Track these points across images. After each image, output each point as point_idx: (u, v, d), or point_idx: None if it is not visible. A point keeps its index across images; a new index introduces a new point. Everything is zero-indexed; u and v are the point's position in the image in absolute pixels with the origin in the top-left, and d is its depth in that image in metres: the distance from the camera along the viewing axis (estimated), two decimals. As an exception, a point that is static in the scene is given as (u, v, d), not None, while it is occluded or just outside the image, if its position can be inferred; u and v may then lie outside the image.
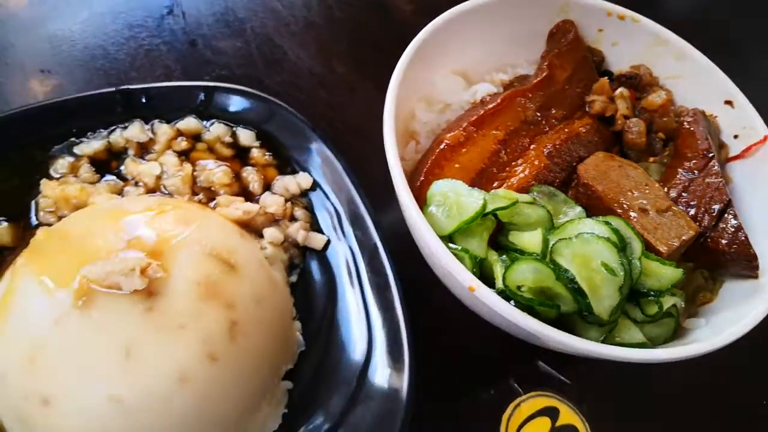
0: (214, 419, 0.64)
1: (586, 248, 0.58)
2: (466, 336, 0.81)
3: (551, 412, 0.79)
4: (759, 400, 0.80)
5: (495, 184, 0.66)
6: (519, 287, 0.58)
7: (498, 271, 0.59)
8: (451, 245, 0.59)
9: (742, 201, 0.72)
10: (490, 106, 0.70)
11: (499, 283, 0.58)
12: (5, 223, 0.74)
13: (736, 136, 0.73)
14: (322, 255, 0.79)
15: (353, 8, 1.02)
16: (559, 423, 0.78)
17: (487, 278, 0.59)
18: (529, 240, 0.60)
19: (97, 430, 0.60)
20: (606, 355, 0.55)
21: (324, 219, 0.81)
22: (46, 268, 0.63)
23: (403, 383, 0.69)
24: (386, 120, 0.63)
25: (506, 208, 0.61)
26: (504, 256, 0.60)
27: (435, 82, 0.74)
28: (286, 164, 0.83)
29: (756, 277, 0.65)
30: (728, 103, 0.74)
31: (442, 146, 0.67)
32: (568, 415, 0.78)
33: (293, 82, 0.94)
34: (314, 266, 0.79)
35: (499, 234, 0.64)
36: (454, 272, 0.56)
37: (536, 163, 0.67)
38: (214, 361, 0.63)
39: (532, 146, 0.70)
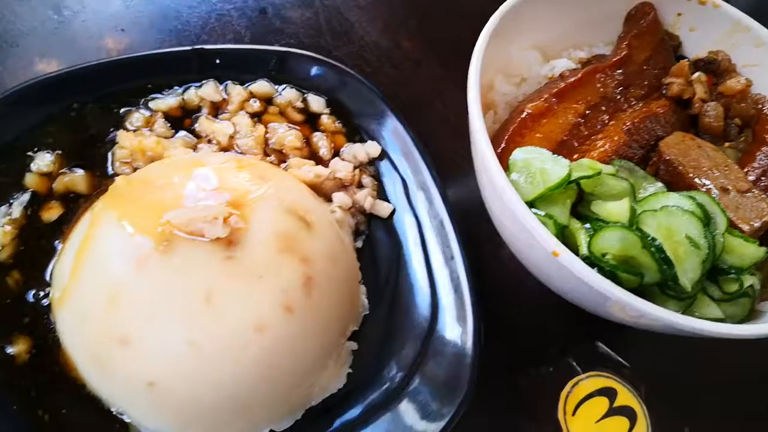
0: (287, 370, 0.65)
1: (671, 220, 0.58)
2: (528, 313, 0.81)
3: (609, 393, 0.78)
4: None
5: (575, 156, 0.67)
6: (603, 255, 0.58)
7: (582, 238, 0.59)
8: (536, 211, 0.59)
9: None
10: (572, 79, 0.70)
11: (584, 250, 0.58)
12: (81, 172, 0.75)
13: (815, 125, 0.73)
14: (387, 223, 0.80)
15: (421, -14, 1.03)
16: (616, 404, 0.78)
17: (567, 247, 0.59)
18: (615, 209, 0.60)
19: (173, 372, 0.61)
20: (688, 327, 0.55)
21: (390, 188, 0.81)
22: (128, 212, 0.64)
23: (468, 350, 0.70)
24: (471, 85, 0.63)
25: (591, 177, 0.61)
26: (588, 225, 0.60)
27: (512, 55, 0.75)
28: (355, 132, 0.84)
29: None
30: (807, 91, 0.73)
31: (523, 115, 0.68)
32: (625, 396, 0.78)
33: (360, 55, 0.94)
34: (379, 234, 0.79)
35: (578, 205, 0.64)
36: (539, 237, 0.56)
37: (616, 138, 0.68)
38: (290, 313, 0.63)
39: (611, 122, 0.70)
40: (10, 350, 0.66)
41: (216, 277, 0.61)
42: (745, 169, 0.69)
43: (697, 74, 0.75)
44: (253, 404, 0.65)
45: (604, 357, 0.80)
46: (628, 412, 0.78)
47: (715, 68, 0.76)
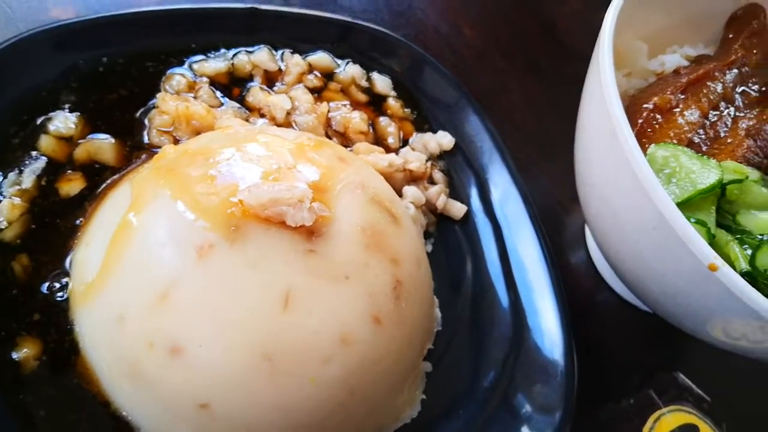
0: (365, 395, 0.54)
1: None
2: (608, 333, 0.73)
3: (691, 429, 0.71)
4: None
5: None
6: (765, 271, 0.50)
7: (737, 251, 0.51)
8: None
9: None
10: (692, 76, 0.63)
11: (743, 265, 0.50)
12: (109, 139, 0.62)
13: None
14: (460, 226, 0.70)
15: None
16: (699, 441, 0.70)
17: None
18: (764, 219, 0.52)
19: (235, 391, 0.49)
20: None
21: (463, 185, 0.72)
22: (186, 189, 0.52)
23: (560, 374, 0.61)
24: (603, 58, 0.54)
25: (740, 181, 0.53)
26: (738, 236, 0.52)
27: (618, 44, 0.67)
28: (424, 121, 0.74)
29: None
30: None
31: (648, 105, 0.59)
32: (708, 433, 0.71)
33: (418, 38, 0.85)
34: (451, 238, 0.70)
35: (716, 217, 0.56)
36: (695, 247, 0.48)
37: (743, 142, 0.60)
38: (378, 324, 0.53)
39: (731, 125, 0.63)
40: (14, 356, 0.52)
41: (296, 274, 0.50)
42: None
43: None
44: (325, 432, 0.53)
45: (684, 389, 0.73)
46: (712, 452, 0.70)
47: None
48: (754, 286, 0.48)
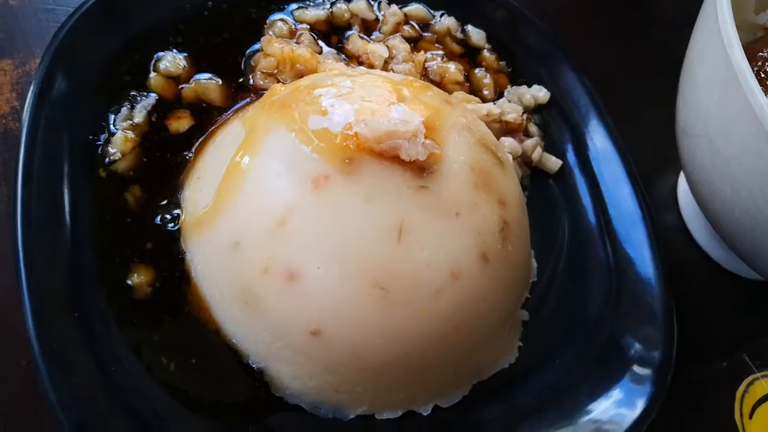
0: (470, 330, 0.54)
1: None
2: (704, 299, 0.72)
3: (786, 397, 0.69)
4: None
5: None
6: None
7: None
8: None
9: None
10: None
11: None
12: (216, 80, 0.63)
13: None
14: (554, 180, 0.69)
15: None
16: (795, 410, 0.68)
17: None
18: None
19: (348, 319, 0.50)
20: None
21: (559, 139, 0.71)
22: (300, 123, 0.52)
23: (659, 329, 0.60)
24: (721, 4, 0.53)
25: None
26: None
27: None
28: (519, 74, 0.73)
29: None
30: None
31: (765, 54, 0.58)
32: (806, 401, 0.69)
33: None
34: (545, 192, 0.69)
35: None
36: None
37: None
38: (486, 263, 0.52)
39: None
40: (128, 281, 0.53)
41: (409, 208, 0.50)
42: None
43: None
44: (428, 368, 0.54)
45: (780, 356, 0.71)
46: (811, 419, 0.68)
47: None
48: None
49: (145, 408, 0.49)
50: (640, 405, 0.56)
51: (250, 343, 0.53)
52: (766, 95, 0.55)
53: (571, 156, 0.69)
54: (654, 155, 0.77)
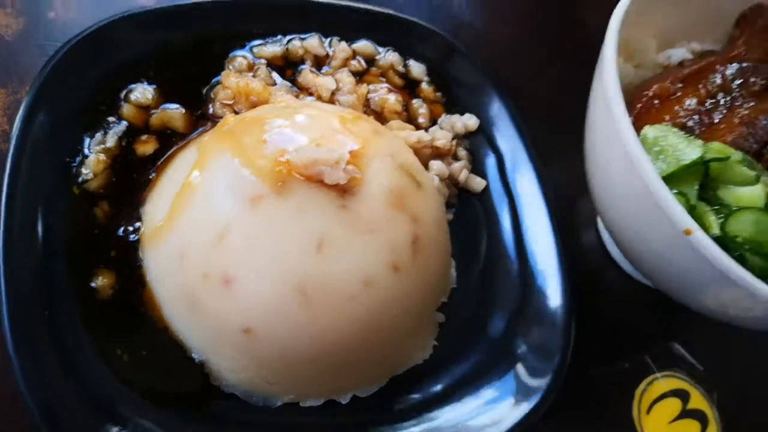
0: (384, 332, 0.63)
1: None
2: (610, 304, 0.80)
3: (682, 395, 0.77)
4: None
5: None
6: (735, 237, 0.57)
7: (712, 219, 0.58)
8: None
9: None
10: (694, 67, 0.70)
11: (716, 230, 0.57)
12: (180, 109, 0.73)
13: None
14: (479, 199, 0.78)
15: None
16: (689, 406, 0.76)
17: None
18: (746, 194, 0.59)
19: (274, 319, 0.59)
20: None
21: (485, 163, 0.80)
22: (242, 150, 0.62)
23: (559, 331, 0.69)
24: (608, 57, 0.62)
25: (722, 160, 0.60)
26: (716, 207, 0.59)
27: (635, 40, 0.74)
28: (453, 104, 0.82)
29: None
30: None
31: (649, 93, 0.67)
32: (698, 399, 0.77)
33: (454, 32, 0.92)
34: (470, 209, 0.78)
35: (700, 192, 0.63)
36: (672, 214, 0.55)
37: (735, 130, 0.67)
38: (397, 272, 0.61)
39: (726, 113, 0.69)
40: (92, 284, 0.63)
41: (330, 225, 0.59)
42: None
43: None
44: (346, 363, 0.63)
45: (679, 358, 0.79)
46: (700, 416, 0.76)
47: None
48: (725, 250, 0.55)
49: (103, 393, 0.58)
50: (535, 398, 0.65)
51: (193, 339, 0.62)
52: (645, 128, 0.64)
53: (494, 178, 0.78)
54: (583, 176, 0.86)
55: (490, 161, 0.79)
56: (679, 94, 0.68)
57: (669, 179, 0.60)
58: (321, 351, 0.60)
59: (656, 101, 0.66)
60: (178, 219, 0.62)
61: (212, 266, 0.59)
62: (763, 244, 0.57)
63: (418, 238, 0.63)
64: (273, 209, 0.59)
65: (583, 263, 0.82)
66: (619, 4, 0.68)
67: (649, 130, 0.62)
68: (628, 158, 0.58)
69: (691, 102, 0.67)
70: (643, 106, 0.66)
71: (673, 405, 0.77)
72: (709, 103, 0.69)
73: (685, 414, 0.76)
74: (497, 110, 0.80)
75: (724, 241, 0.57)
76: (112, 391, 0.58)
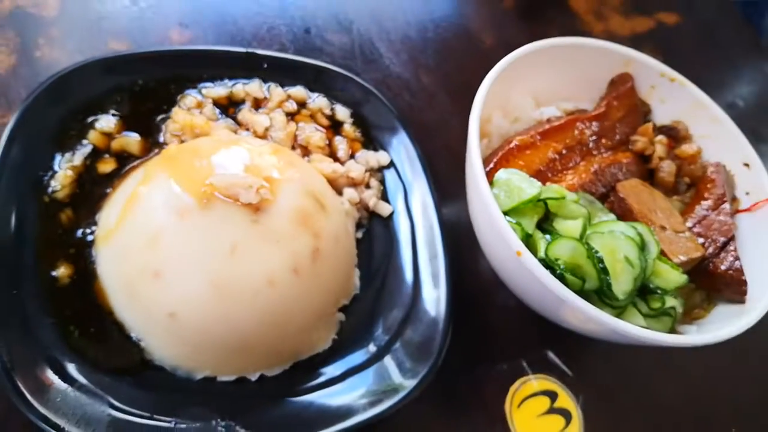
0: (286, 323, 0.77)
1: (614, 242, 0.72)
2: (494, 318, 0.94)
3: (551, 394, 0.91)
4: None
5: (547, 184, 0.81)
6: (556, 259, 0.72)
7: (541, 244, 0.73)
8: (507, 218, 0.73)
9: (744, 246, 0.86)
10: (556, 123, 0.86)
11: (542, 253, 0.72)
12: (137, 136, 0.89)
13: (747, 193, 0.88)
14: (385, 222, 0.93)
15: (443, 32, 1.19)
16: (556, 404, 0.90)
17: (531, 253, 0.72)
18: (571, 227, 0.74)
19: (193, 306, 0.73)
20: (612, 326, 0.68)
21: (393, 193, 0.95)
22: (176, 173, 0.77)
23: (440, 325, 0.82)
24: (473, 114, 0.78)
25: (556, 199, 0.75)
26: (548, 236, 0.74)
27: (512, 97, 0.90)
28: (371, 142, 0.98)
29: (743, 302, 0.78)
30: (746, 165, 0.88)
31: (512, 145, 0.82)
32: (565, 400, 0.91)
33: (384, 81, 1.09)
34: (378, 230, 0.93)
35: (544, 223, 0.78)
36: (507, 238, 0.70)
37: (583, 176, 0.82)
38: (296, 275, 0.76)
39: (582, 163, 0.85)
40: (54, 273, 0.77)
41: (242, 234, 0.74)
42: (685, 217, 0.83)
43: (659, 137, 0.90)
44: (253, 346, 0.77)
45: (552, 365, 0.93)
46: (565, 414, 0.90)
47: (675, 134, 0.91)
48: (551, 271, 0.70)
49: (56, 356, 0.72)
50: (413, 383, 0.77)
51: (132, 321, 0.76)
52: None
53: (400, 205, 0.93)
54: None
55: (398, 192, 0.95)
56: (538, 144, 0.84)
57: (513, 212, 0.75)
58: (232, 334, 0.75)
59: (516, 151, 0.82)
60: (123, 225, 0.78)
61: (146, 263, 0.74)
62: (578, 266, 0.72)
63: (318, 249, 0.79)
64: (197, 220, 0.74)
65: (475, 281, 0.97)
66: (493, 68, 0.84)
67: (501, 173, 0.77)
68: (480, 195, 0.74)
69: (547, 152, 0.83)
70: (504, 154, 0.81)
71: (542, 402, 0.91)
72: (565, 153, 0.85)
73: (552, 411, 0.90)
74: (406, 150, 0.96)
75: (548, 262, 0.72)
76: (65, 357, 0.72)
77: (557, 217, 0.77)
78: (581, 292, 0.72)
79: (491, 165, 0.80)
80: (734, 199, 0.89)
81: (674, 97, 0.94)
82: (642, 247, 0.73)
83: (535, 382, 0.91)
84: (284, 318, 0.77)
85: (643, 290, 0.75)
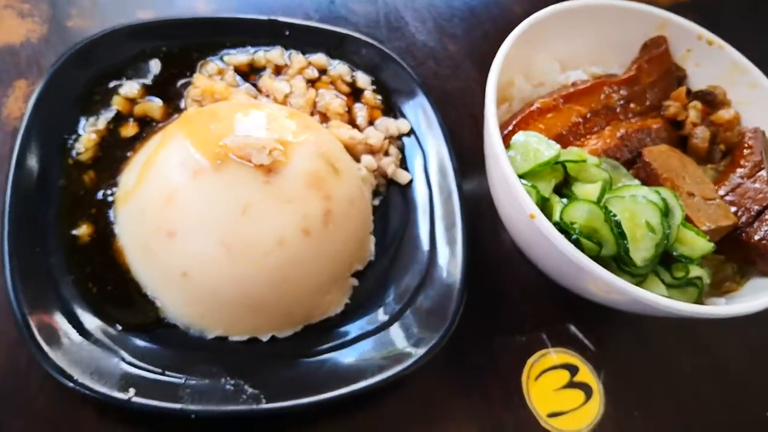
0: (296, 285, 0.77)
1: (635, 206, 0.69)
2: (514, 287, 0.91)
3: (572, 368, 0.88)
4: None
5: (569, 148, 0.78)
6: (572, 223, 0.69)
7: (557, 208, 0.70)
8: (524, 182, 0.71)
9: (782, 217, 0.81)
10: (581, 87, 0.82)
11: (556, 217, 0.70)
12: (159, 102, 0.90)
13: (786, 162, 0.83)
14: (403, 190, 0.92)
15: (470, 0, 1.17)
16: (576, 379, 0.87)
17: (546, 217, 0.70)
18: (589, 190, 0.71)
19: (205, 265, 0.74)
20: (630, 293, 0.65)
21: (412, 161, 0.94)
22: (193, 134, 0.78)
23: (451, 304, 0.81)
24: (491, 76, 0.75)
25: (576, 162, 0.72)
26: (565, 200, 0.72)
27: (536, 61, 0.87)
28: (391, 110, 0.97)
29: (777, 274, 0.74)
30: (787, 132, 0.83)
31: (533, 107, 0.80)
32: (586, 374, 0.88)
33: (408, 50, 1.08)
34: (395, 197, 0.92)
35: (564, 188, 0.75)
36: (522, 201, 0.68)
37: (608, 141, 0.79)
38: (307, 236, 0.76)
39: (607, 128, 0.81)
40: (75, 232, 0.79)
41: (254, 195, 0.74)
42: (719, 185, 0.79)
43: (694, 102, 0.86)
44: (265, 307, 0.77)
45: (573, 338, 0.90)
46: (586, 388, 0.87)
47: (711, 99, 0.86)
48: (566, 236, 0.68)
49: (74, 311, 0.74)
50: (424, 348, 0.77)
51: (147, 279, 0.78)
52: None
53: (419, 173, 0.92)
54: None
55: (417, 160, 0.93)
56: (561, 108, 0.80)
57: (530, 175, 0.73)
58: (242, 294, 0.75)
59: (537, 114, 0.79)
60: (141, 186, 0.79)
61: (161, 222, 0.75)
62: (594, 231, 0.69)
63: (330, 212, 0.78)
64: (210, 181, 0.74)
65: (495, 252, 0.94)
66: (513, 31, 0.82)
67: (519, 135, 0.75)
68: (495, 157, 0.71)
69: (571, 116, 0.80)
70: (524, 117, 0.78)
71: (561, 376, 0.88)
72: (590, 117, 0.81)
73: (572, 385, 0.88)
74: (427, 117, 0.94)
75: (562, 226, 0.69)
76: (82, 312, 0.74)
77: (577, 182, 0.74)
78: (599, 259, 0.70)
79: (510, 128, 0.78)
80: (774, 168, 0.83)
81: (712, 61, 0.89)
82: (666, 212, 0.69)
83: (555, 356, 0.89)
84: (295, 279, 0.77)
85: (668, 259, 0.72)
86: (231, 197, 0.74)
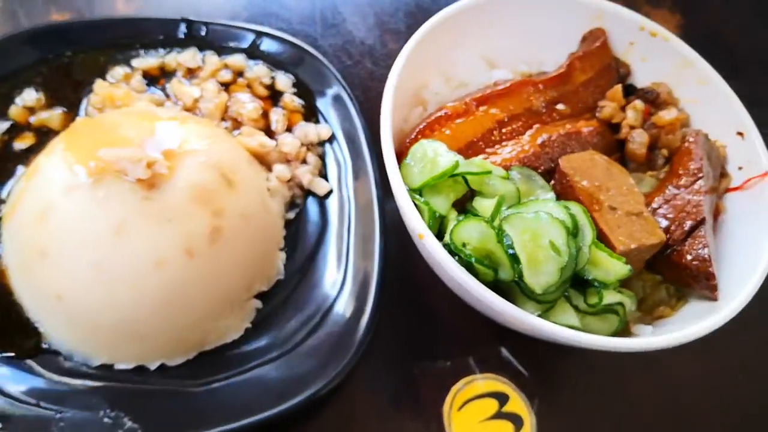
0: (182, 310, 0.71)
1: (538, 225, 0.60)
2: (441, 308, 0.83)
3: (501, 397, 0.80)
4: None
5: (480, 157, 0.70)
6: (464, 245, 0.61)
7: (449, 227, 0.62)
8: (416, 196, 0.63)
9: (732, 232, 0.71)
10: (500, 87, 0.74)
11: (446, 238, 0.62)
12: (60, 111, 0.85)
13: (740, 168, 0.73)
14: (322, 201, 0.85)
15: (416, -7, 1.08)
16: (505, 409, 0.79)
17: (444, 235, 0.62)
18: (486, 206, 0.63)
19: (78, 288, 0.69)
20: (527, 322, 0.57)
21: (332, 170, 0.86)
22: (74, 146, 0.73)
23: (362, 325, 0.74)
24: (391, 74, 0.68)
25: (476, 174, 0.64)
26: (460, 216, 0.64)
27: (457, 60, 0.79)
28: (313, 114, 0.89)
29: (715, 299, 0.64)
30: (740, 134, 0.73)
31: (439, 113, 0.71)
32: (517, 403, 0.80)
33: (344, 48, 1.00)
34: (312, 209, 0.85)
35: (467, 202, 0.67)
36: (409, 219, 0.60)
37: (526, 148, 0.70)
38: (190, 257, 0.70)
39: (528, 133, 0.73)
40: (-39, 255, 0.75)
41: (130, 213, 0.68)
42: (653, 196, 0.70)
43: (635, 102, 0.76)
44: (149, 333, 0.71)
45: (505, 363, 0.82)
46: (516, 419, 0.79)
47: (653, 98, 0.77)
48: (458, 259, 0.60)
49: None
50: (326, 379, 0.71)
51: (28, 303, 0.73)
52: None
53: (338, 182, 0.85)
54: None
55: (338, 168, 0.86)
56: (474, 112, 0.72)
57: (428, 189, 0.65)
58: (120, 319, 0.69)
59: (445, 120, 0.71)
60: (20, 201, 0.74)
61: (35, 241, 0.70)
62: (490, 252, 0.61)
63: (218, 229, 0.72)
64: (84, 197, 0.69)
65: (419, 270, 0.86)
66: (423, 24, 0.74)
67: (417, 145, 0.67)
68: (388, 170, 0.64)
69: (484, 121, 0.72)
70: (429, 123, 0.70)
71: (489, 405, 0.80)
72: (507, 122, 0.73)
73: (500, 415, 0.80)
74: (350, 122, 0.87)
75: (452, 248, 0.61)
76: None
77: (480, 196, 0.66)
78: (502, 283, 0.62)
79: (412, 136, 0.70)
80: (724, 176, 0.74)
81: (658, 54, 0.79)
82: (575, 232, 0.61)
83: (482, 382, 0.81)
84: (179, 303, 0.71)
85: (581, 282, 0.63)
86: (104, 215, 0.68)
